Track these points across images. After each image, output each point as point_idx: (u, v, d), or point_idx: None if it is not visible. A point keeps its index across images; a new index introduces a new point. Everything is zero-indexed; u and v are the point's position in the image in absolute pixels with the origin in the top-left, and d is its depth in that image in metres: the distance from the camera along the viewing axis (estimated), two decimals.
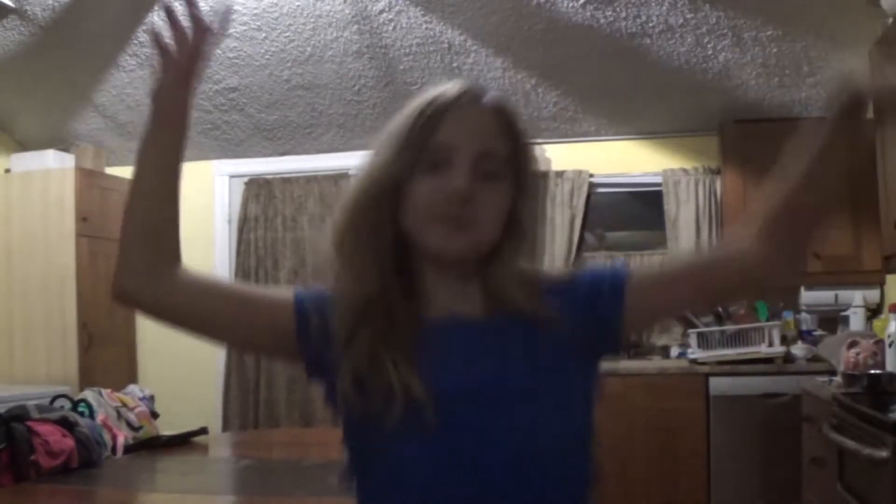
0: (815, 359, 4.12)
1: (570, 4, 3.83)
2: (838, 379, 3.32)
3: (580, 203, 4.79)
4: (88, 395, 3.11)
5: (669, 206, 4.71)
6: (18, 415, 2.59)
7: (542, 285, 1.07)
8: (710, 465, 4.02)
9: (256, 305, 1.10)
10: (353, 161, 5.13)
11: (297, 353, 1.08)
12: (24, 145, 5.16)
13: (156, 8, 3.97)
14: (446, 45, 4.19)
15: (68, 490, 2.44)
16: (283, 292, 1.10)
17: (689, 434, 4.04)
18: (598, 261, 4.80)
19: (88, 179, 4.77)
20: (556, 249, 4.75)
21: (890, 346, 3.24)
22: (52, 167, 4.80)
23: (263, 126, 4.96)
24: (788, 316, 4.42)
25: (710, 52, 4.09)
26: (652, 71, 4.25)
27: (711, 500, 3.99)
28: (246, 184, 5.26)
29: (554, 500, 1.01)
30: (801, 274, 1.07)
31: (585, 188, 4.80)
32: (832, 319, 4.42)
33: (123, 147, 4.96)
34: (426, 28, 4.07)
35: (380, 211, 1.03)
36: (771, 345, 4.15)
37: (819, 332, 4.36)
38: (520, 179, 1.06)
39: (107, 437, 2.90)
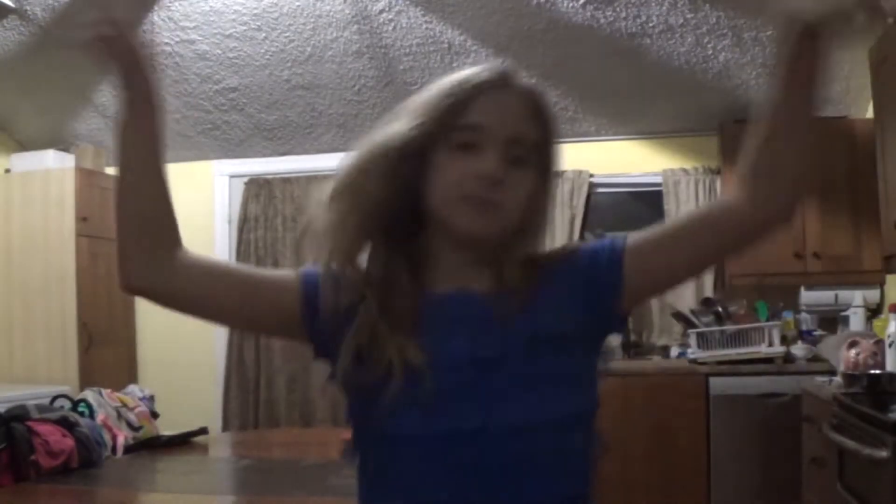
0: (815, 359, 4.12)
1: (570, 4, 3.83)
2: (838, 379, 3.32)
3: (580, 203, 4.79)
4: (88, 395, 3.11)
5: (669, 206, 4.71)
6: (18, 415, 2.59)
7: (539, 265, 1.07)
8: (710, 465, 4.02)
9: (263, 287, 1.10)
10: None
11: (303, 334, 1.08)
12: (24, 145, 5.16)
13: (156, 8, 3.97)
14: (446, 45, 4.19)
15: (68, 490, 2.44)
16: (289, 273, 1.10)
17: (689, 434, 4.04)
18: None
19: (88, 179, 4.77)
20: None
21: (890, 346, 3.24)
22: (52, 167, 4.81)
23: (263, 126, 4.96)
24: (788, 316, 4.42)
25: (710, 52, 4.09)
26: (652, 71, 4.25)
27: (711, 500, 3.99)
28: (246, 184, 5.26)
29: (554, 474, 1.00)
30: (796, 211, 1.02)
31: (585, 188, 4.80)
32: (832, 319, 4.42)
33: None
34: (426, 28, 4.07)
35: (394, 176, 1.03)
36: (771, 345, 4.15)
37: (819, 332, 4.36)
38: (544, 167, 1.07)
39: (107, 437, 2.90)
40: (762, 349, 4.14)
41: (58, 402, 3.10)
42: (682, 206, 4.67)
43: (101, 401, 3.10)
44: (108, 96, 4.63)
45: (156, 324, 5.00)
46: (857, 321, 4.19)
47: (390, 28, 4.08)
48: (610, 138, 4.88)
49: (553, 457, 1.00)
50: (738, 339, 4.19)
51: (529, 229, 1.08)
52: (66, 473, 2.54)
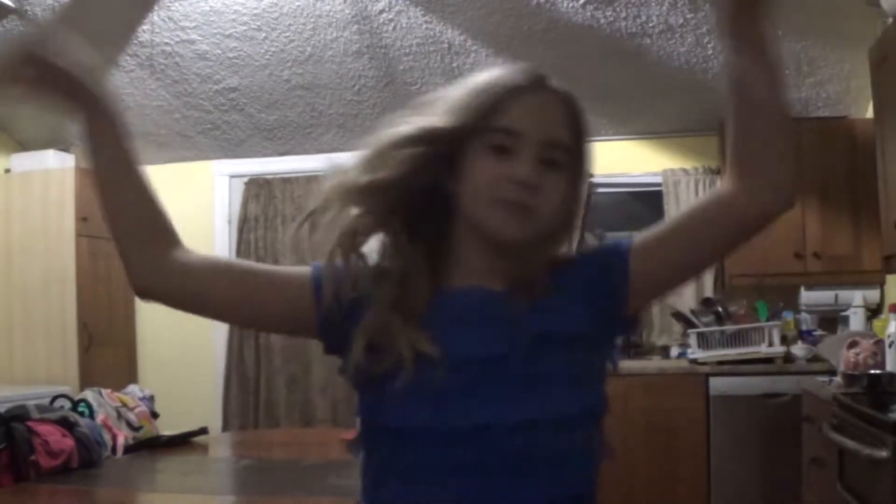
0: (815, 359, 4.12)
1: (570, 4, 3.83)
2: (838, 379, 3.32)
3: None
4: (88, 395, 3.11)
5: (669, 206, 4.70)
6: (18, 415, 2.59)
7: (554, 266, 1.08)
8: (710, 465, 4.02)
9: (275, 281, 1.10)
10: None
11: (313, 329, 1.08)
12: (24, 145, 5.16)
13: (156, 8, 3.97)
14: (446, 45, 4.19)
15: (68, 490, 2.44)
16: (299, 268, 1.10)
17: (689, 434, 4.04)
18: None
19: (88, 179, 4.75)
20: None
21: (890, 346, 3.24)
22: (52, 167, 4.80)
23: (263, 126, 4.96)
24: (788, 316, 4.43)
25: (710, 52, 4.09)
26: (652, 71, 4.25)
27: (711, 500, 3.99)
28: (246, 184, 5.26)
29: (556, 474, 1.01)
30: (793, 193, 1.00)
31: (585, 188, 4.79)
32: (832, 319, 4.42)
33: None
34: (426, 28, 4.07)
35: (420, 168, 1.03)
36: (771, 345, 4.15)
37: (819, 332, 4.36)
38: (576, 171, 1.08)
39: (107, 437, 2.90)
40: (762, 349, 4.14)
41: (58, 402, 3.10)
42: (682, 206, 4.66)
43: (101, 401, 3.10)
44: None
45: (156, 324, 5.00)
46: (857, 321, 4.19)
47: (390, 28, 4.08)
48: (610, 138, 4.88)
49: (556, 456, 1.00)
50: (738, 339, 4.19)
51: (558, 233, 1.08)
52: (66, 473, 2.54)
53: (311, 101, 4.70)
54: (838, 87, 4.30)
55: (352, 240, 1.06)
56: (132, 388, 3.52)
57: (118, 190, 1.05)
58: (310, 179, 5.16)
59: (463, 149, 1.04)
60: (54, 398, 3.20)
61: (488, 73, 1.07)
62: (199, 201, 5.27)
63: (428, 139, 1.04)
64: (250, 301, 1.08)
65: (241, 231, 5.24)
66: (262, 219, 5.21)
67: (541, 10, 3.88)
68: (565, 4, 3.84)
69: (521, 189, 1.01)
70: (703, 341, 4.23)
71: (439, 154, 1.03)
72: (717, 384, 4.06)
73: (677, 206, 4.68)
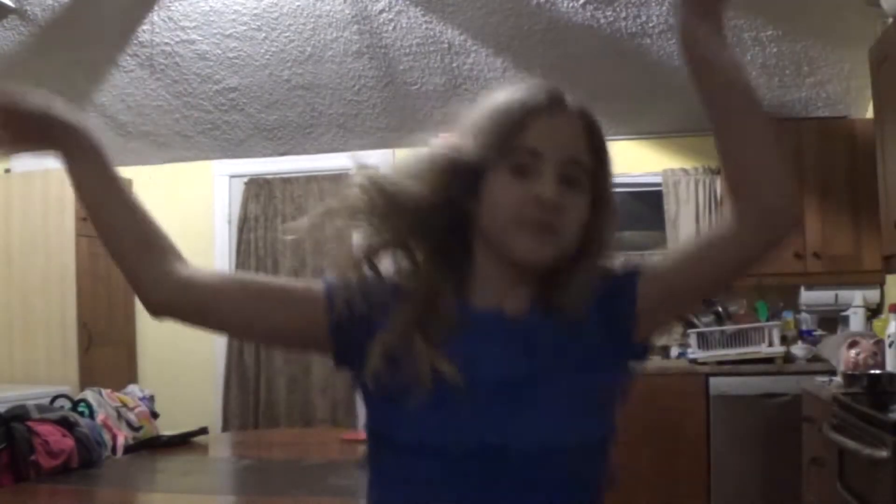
0: (815, 359, 4.12)
1: (570, 4, 3.83)
2: (838, 379, 3.32)
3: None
4: (88, 395, 3.11)
5: (669, 206, 4.71)
6: (18, 415, 2.59)
7: (597, 290, 1.07)
8: (710, 465, 4.02)
9: (288, 298, 1.09)
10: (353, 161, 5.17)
11: (325, 343, 1.07)
12: None
13: (156, 8, 3.97)
14: (446, 45, 4.19)
15: (68, 490, 2.44)
16: (311, 282, 1.10)
17: (689, 434, 4.04)
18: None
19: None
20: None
21: (890, 346, 3.24)
22: (52, 167, 4.76)
23: (263, 126, 4.96)
24: (788, 316, 4.43)
25: None
26: (652, 71, 4.25)
27: (711, 500, 3.99)
28: (246, 184, 5.26)
29: (566, 497, 1.01)
30: (797, 218, 1.00)
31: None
32: (832, 319, 4.42)
33: (123, 147, 4.96)
34: (426, 28, 4.07)
35: (443, 190, 1.02)
36: (771, 345, 4.15)
37: (819, 332, 4.36)
38: (598, 188, 1.07)
39: (107, 437, 2.90)
40: (762, 349, 4.14)
41: (58, 402, 3.10)
42: (682, 205, 4.67)
43: (101, 401, 3.10)
44: (108, 96, 4.63)
45: (156, 324, 4.94)
46: (857, 321, 4.19)
47: (390, 28, 4.08)
48: (610, 138, 4.78)
49: (564, 481, 1.01)
50: (738, 339, 4.19)
51: (588, 252, 1.07)
52: (66, 473, 2.55)
53: (311, 101, 4.70)
54: (838, 87, 4.30)
55: (369, 255, 1.06)
56: (132, 388, 3.52)
57: (110, 213, 1.05)
58: (310, 179, 5.16)
59: (485, 170, 1.03)
60: (54, 398, 3.20)
61: (507, 93, 1.06)
62: (199, 201, 5.27)
63: (452, 167, 1.03)
64: (267, 316, 1.08)
65: (241, 231, 5.23)
66: (262, 219, 5.21)
67: (541, 10, 3.88)
68: (565, 4, 3.83)
69: (544, 209, 1.00)
70: (703, 341, 4.24)
71: (460, 178, 1.03)
72: (717, 384, 4.06)
73: (677, 206, 4.68)
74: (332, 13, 4.00)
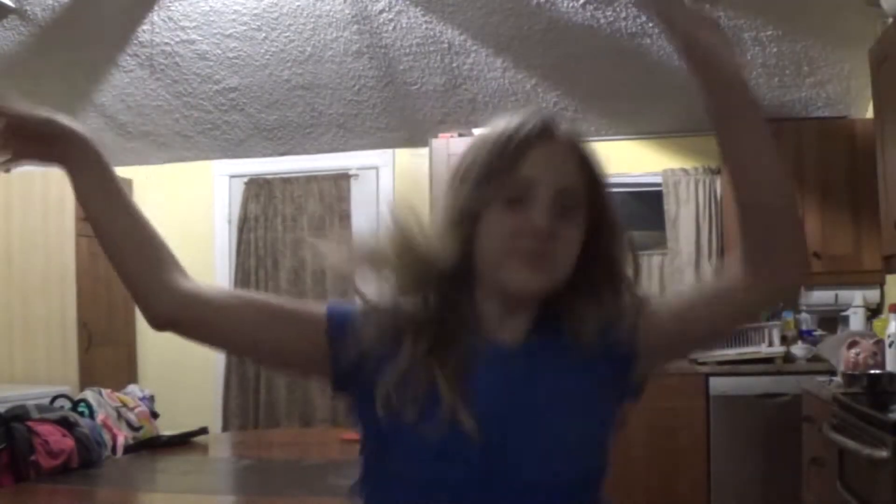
0: (815, 359, 4.12)
1: (570, 4, 3.83)
2: (838, 379, 3.32)
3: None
4: (88, 395, 3.11)
5: (669, 206, 4.70)
6: (18, 415, 2.59)
7: (607, 320, 1.06)
8: (710, 465, 4.02)
9: (288, 316, 1.09)
10: (353, 161, 5.18)
11: (325, 366, 1.07)
12: None
13: (156, 8, 3.97)
14: (446, 45, 4.19)
15: (68, 490, 2.44)
16: (314, 305, 1.10)
17: (689, 434, 4.04)
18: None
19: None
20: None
21: (890, 346, 3.24)
22: (52, 167, 4.80)
23: (263, 126, 4.96)
24: (788, 316, 4.42)
25: None
26: (652, 71, 4.25)
27: (711, 500, 3.99)
28: (246, 184, 5.26)
29: None
30: (804, 277, 1.02)
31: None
32: (832, 319, 4.42)
33: (123, 147, 4.96)
34: (426, 28, 4.07)
35: (455, 240, 1.03)
36: (771, 345, 4.15)
37: (819, 332, 4.36)
38: (595, 213, 1.06)
39: (107, 437, 2.90)
40: (762, 349, 4.14)
41: (58, 402, 3.10)
42: (682, 205, 4.67)
43: (101, 401, 3.10)
44: (108, 96, 4.63)
45: None
46: (857, 321, 4.19)
47: (390, 28, 4.08)
48: (610, 138, 4.88)
49: None
50: (738, 338, 4.19)
51: (592, 278, 1.06)
52: (66, 473, 2.55)
53: (311, 101, 4.70)
54: (838, 87, 4.30)
55: (383, 295, 1.07)
56: (132, 388, 3.52)
57: (113, 225, 1.05)
58: (310, 179, 5.16)
59: (485, 209, 1.03)
60: (54, 398, 3.20)
61: (499, 126, 1.06)
62: (199, 201, 5.27)
63: (459, 215, 1.03)
64: (269, 334, 1.07)
65: (241, 231, 5.23)
66: (262, 219, 5.21)
67: (541, 10, 3.88)
68: (565, 4, 3.83)
69: (537, 239, 1.00)
70: None
71: (466, 221, 1.03)
72: (717, 384, 4.05)
73: (677, 206, 4.68)
74: (332, 13, 4.00)
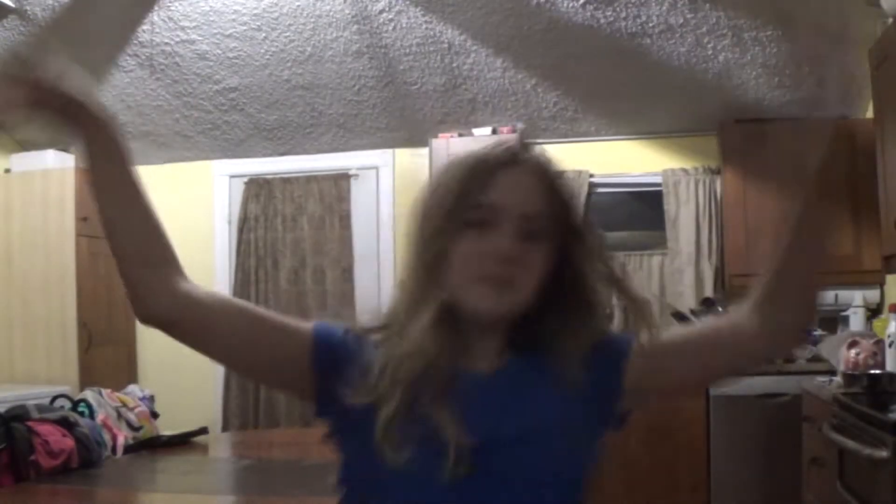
0: (815, 359, 4.11)
1: (570, 4, 3.83)
2: (838, 379, 3.32)
3: (580, 203, 4.79)
4: (88, 395, 3.11)
5: (669, 206, 4.70)
6: (18, 415, 2.59)
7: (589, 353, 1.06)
8: (710, 465, 4.01)
9: (276, 330, 1.08)
10: (353, 161, 5.18)
11: (307, 386, 1.07)
12: (24, 145, 5.16)
13: (156, 8, 3.97)
14: (446, 45, 4.19)
15: (68, 490, 2.44)
16: (303, 323, 1.10)
17: (689, 434, 4.04)
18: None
19: (88, 181, 4.77)
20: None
21: (890, 346, 3.24)
22: (52, 167, 4.80)
23: (263, 126, 4.96)
24: None
25: (710, 52, 4.09)
26: (652, 71, 4.25)
27: (711, 500, 3.99)
28: (246, 184, 5.26)
29: None
30: (801, 342, 1.11)
31: (585, 188, 4.80)
32: (832, 319, 4.41)
33: None
34: (426, 28, 4.07)
35: (434, 274, 1.03)
36: None
37: (819, 332, 4.35)
38: (564, 238, 1.06)
39: (107, 437, 2.90)
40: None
41: (58, 402, 3.10)
42: (682, 205, 4.67)
43: (101, 401, 3.10)
44: (108, 96, 4.63)
45: None
46: (857, 321, 4.19)
47: (390, 28, 4.08)
48: (610, 138, 4.88)
49: None
50: None
51: (563, 302, 1.06)
52: (66, 473, 2.54)
53: (311, 101, 4.70)
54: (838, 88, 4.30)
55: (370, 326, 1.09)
56: (132, 388, 3.52)
57: (122, 210, 1.03)
58: (310, 179, 5.16)
59: (451, 235, 1.04)
60: (54, 398, 3.20)
61: (470, 155, 1.07)
62: (199, 201, 5.27)
63: (429, 247, 1.04)
64: (259, 346, 1.07)
65: (241, 231, 5.23)
66: (262, 219, 5.21)
67: (541, 10, 3.88)
68: (565, 4, 3.83)
69: (501, 263, 1.01)
70: None
71: (443, 257, 1.04)
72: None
73: (677, 206, 4.68)
74: (332, 13, 4.00)
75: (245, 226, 5.23)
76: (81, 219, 4.66)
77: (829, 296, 4.36)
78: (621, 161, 4.86)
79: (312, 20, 4.06)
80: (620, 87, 4.46)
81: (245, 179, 5.26)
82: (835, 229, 1.08)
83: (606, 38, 4.02)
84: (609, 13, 3.87)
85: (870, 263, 4.09)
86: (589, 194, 4.82)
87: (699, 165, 4.71)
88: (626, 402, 1.08)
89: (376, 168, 5.14)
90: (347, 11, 3.98)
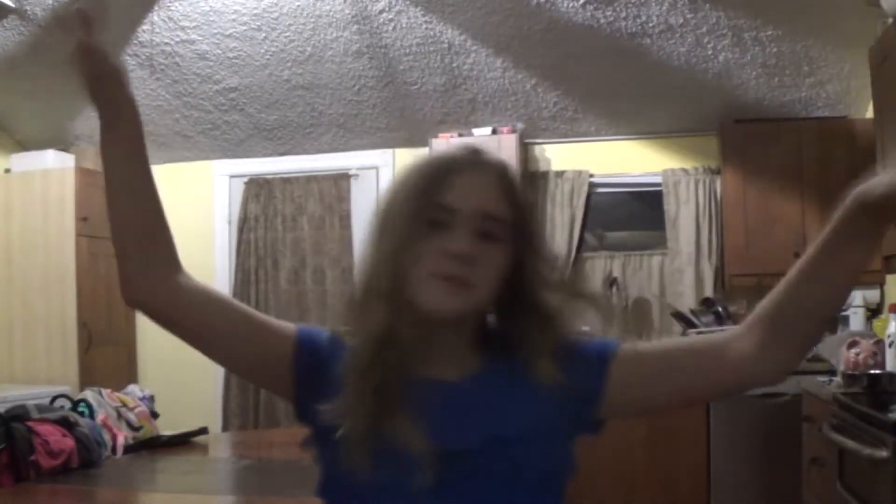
0: (815, 359, 4.11)
1: (570, 4, 3.83)
2: (838, 379, 3.32)
3: (580, 203, 4.79)
4: (88, 395, 3.11)
5: (669, 206, 4.71)
6: (18, 415, 2.59)
7: (561, 349, 1.06)
8: (710, 465, 4.01)
9: (261, 329, 1.08)
10: (353, 161, 5.18)
11: (288, 389, 1.07)
12: (24, 145, 5.16)
13: (156, 8, 3.97)
14: (446, 45, 4.19)
15: (68, 490, 2.44)
16: (287, 324, 1.10)
17: (689, 434, 4.04)
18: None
19: (88, 179, 4.77)
20: (556, 249, 4.76)
21: (890, 346, 3.24)
22: (52, 167, 4.80)
23: (263, 126, 4.96)
24: None
25: (710, 52, 4.09)
26: (652, 71, 4.25)
27: (711, 501, 3.99)
28: (246, 184, 5.26)
29: None
30: (791, 372, 1.05)
31: (585, 188, 4.80)
32: (832, 319, 4.41)
33: None
34: (426, 28, 4.07)
35: (394, 280, 1.03)
36: None
37: None
38: (522, 242, 1.06)
39: (107, 437, 2.90)
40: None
41: (58, 402, 3.09)
42: (682, 205, 4.67)
43: (101, 401, 3.10)
44: None
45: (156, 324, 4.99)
46: (857, 321, 4.19)
47: (390, 28, 4.08)
48: (610, 138, 4.88)
49: None
50: None
51: (512, 307, 1.06)
52: (66, 473, 2.54)
53: (311, 101, 4.70)
54: (838, 87, 4.30)
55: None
56: (132, 388, 3.52)
57: (129, 189, 1.04)
58: (310, 179, 5.16)
59: (411, 237, 1.03)
60: (54, 398, 3.19)
61: (430, 158, 1.08)
62: (199, 201, 5.27)
63: (396, 254, 1.03)
64: (242, 342, 1.07)
65: (241, 231, 5.24)
66: (262, 219, 5.21)
67: (541, 10, 3.88)
68: (565, 4, 3.84)
69: (457, 262, 1.00)
70: None
71: (403, 261, 1.03)
72: None
73: (677, 206, 4.68)
74: (332, 13, 4.00)
75: (245, 226, 5.23)
76: (81, 219, 4.66)
77: None
78: (621, 161, 4.86)
79: (312, 20, 4.06)
80: (620, 87, 4.46)
81: (245, 179, 5.26)
82: (871, 258, 1.03)
83: (606, 38, 4.02)
84: (609, 13, 3.87)
85: (870, 263, 4.09)
86: (589, 194, 4.83)
87: (699, 165, 4.71)
88: (606, 409, 1.06)
89: (376, 168, 5.14)
90: (347, 11, 3.98)
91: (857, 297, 4.24)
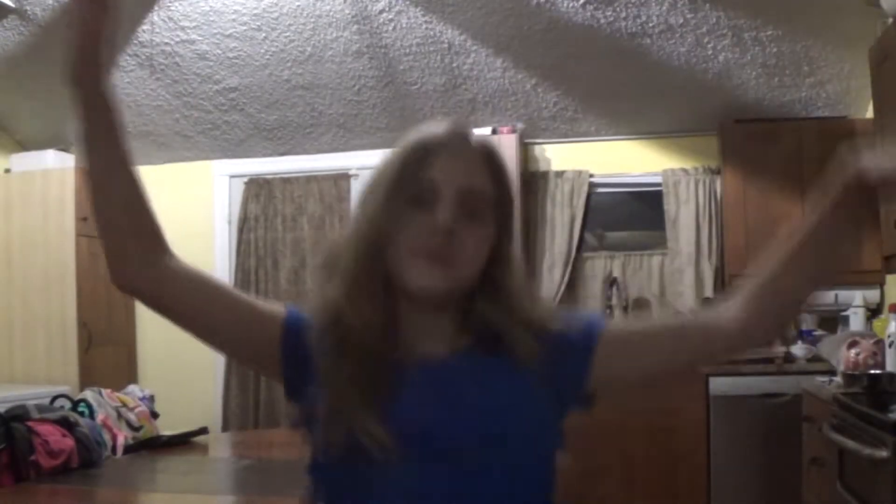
0: (815, 359, 4.12)
1: (570, 4, 3.83)
2: (838, 379, 3.32)
3: (580, 203, 4.79)
4: (88, 395, 3.11)
5: (669, 206, 4.71)
6: (18, 415, 2.59)
7: (540, 326, 1.06)
8: (710, 465, 4.02)
9: (250, 311, 1.09)
10: (353, 161, 5.18)
11: (277, 369, 1.08)
12: (24, 145, 5.16)
13: (156, 8, 3.97)
14: (446, 45, 4.19)
15: (68, 490, 2.44)
16: (276, 306, 1.10)
17: (689, 434, 4.04)
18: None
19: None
20: (556, 249, 4.76)
21: (890, 346, 3.24)
22: (52, 167, 4.80)
23: (263, 126, 4.96)
24: None
25: (710, 52, 4.09)
26: (652, 71, 4.25)
27: (711, 500, 3.99)
28: (246, 184, 5.26)
29: None
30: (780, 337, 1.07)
31: (585, 188, 4.80)
32: (832, 319, 4.42)
33: None
34: (426, 28, 4.07)
35: (374, 258, 1.03)
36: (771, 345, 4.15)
37: (819, 332, 4.36)
38: (503, 221, 1.07)
39: (107, 437, 2.90)
40: (762, 349, 4.14)
41: (58, 402, 3.09)
42: (682, 205, 4.67)
43: (101, 401, 3.09)
44: None
45: (156, 324, 4.93)
46: (857, 321, 4.19)
47: (390, 28, 4.08)
48: (610, 138, 4.88)
49: None
50: None
51: (491, 287, 1.06)
52: (66, 473, 2.54)
53: (311, 101, 4.70)
54: (838, 87, 4.30)
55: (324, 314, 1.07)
56: (132, 388, 3.51)
57: (110, 172, 1.04)
58: (310, 179, 5.16)
59: (394, 215, 1.03)
60: (54, 398, 3.19)
61: (412, 136, 1.07)
62: (199, 201, 5.27)
63: (374, 234, 1.03)
64: (233, 325, 1.08)
65: (241, 231, 5.24)
66: (262, 219, 5.21)
67: (541, 10, 3.88)
68: (565, 4, 3.83)
69: (439, 237, 1.00)
70: None
71: (384, 237, 1.03)
72: (717, 384, 4.05)
73: (677, 206, 4.68)
74: (332, 13, 4.00)
75: (245, 226, 5.23)
76: (81, 219, 4.66)
77: (829, 296, 4.36)
78: (621, 161, 4.86)
79: (312, 20, 4.06)
80: (620, 87, 4.46)
81: (245, 179, 5.27)
82: (858, 241, 1.08)
83: (606, 38, 4.02)
84: (609, 13, 3.87)
85: (870, 263, 4.08)
86: (589, 194, 4.83)
87: (699, 165, 4.71)
88: (593, 386, 1.07)
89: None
90: (347, 11, 3.98)
91: (857, 297, 4.24)
